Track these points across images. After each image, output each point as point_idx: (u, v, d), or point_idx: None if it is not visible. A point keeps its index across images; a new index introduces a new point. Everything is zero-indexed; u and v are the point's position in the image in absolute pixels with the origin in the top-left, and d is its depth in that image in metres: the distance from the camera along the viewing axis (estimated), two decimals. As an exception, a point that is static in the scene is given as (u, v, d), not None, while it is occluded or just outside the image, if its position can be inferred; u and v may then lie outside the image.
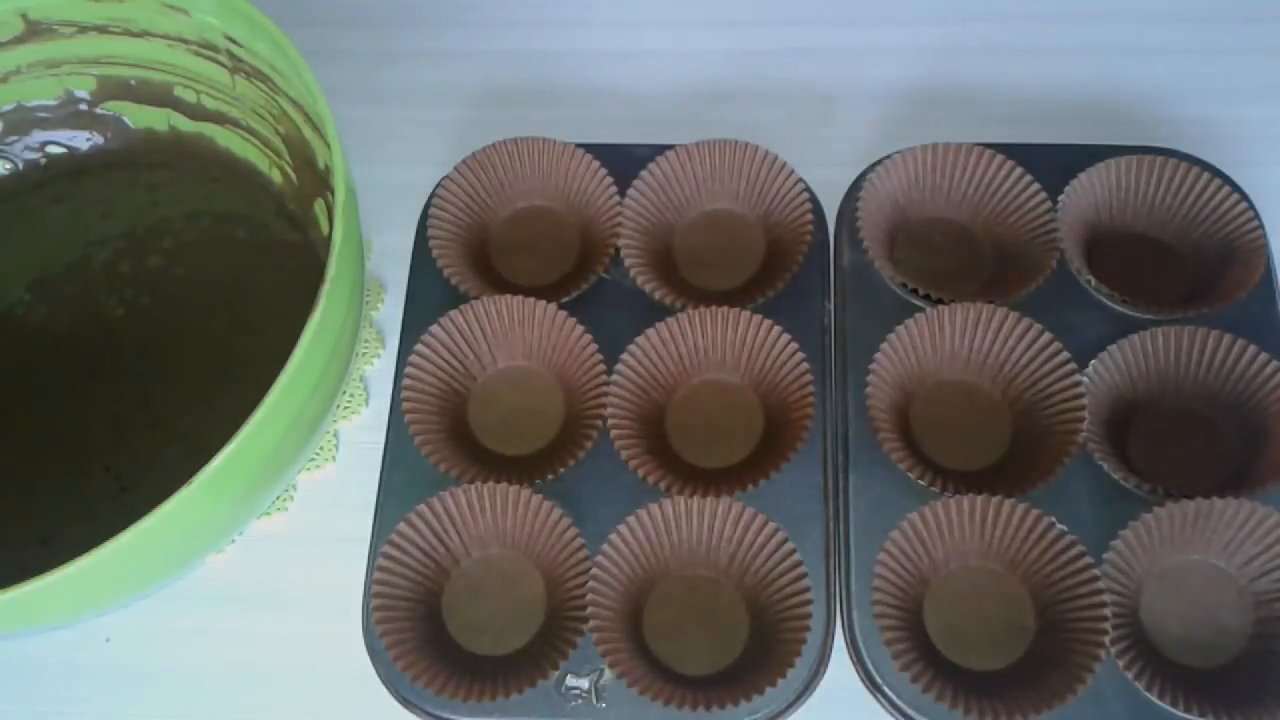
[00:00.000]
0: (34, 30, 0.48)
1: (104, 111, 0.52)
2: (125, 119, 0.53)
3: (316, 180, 0.48)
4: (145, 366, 0.50)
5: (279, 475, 0.44)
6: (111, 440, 0.49)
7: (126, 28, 0.48)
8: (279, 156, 0.51)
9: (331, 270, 0.39)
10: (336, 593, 0.48)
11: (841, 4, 0.61)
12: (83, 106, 0.52)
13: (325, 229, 0.49)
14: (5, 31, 0.48)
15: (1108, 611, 0.43)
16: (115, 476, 0.49)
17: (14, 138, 0.52)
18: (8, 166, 0.52)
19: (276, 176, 0.52)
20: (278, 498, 0.50)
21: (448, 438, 0.49)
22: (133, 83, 0.51)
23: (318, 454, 0.51)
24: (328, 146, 0.42)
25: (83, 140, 0.53)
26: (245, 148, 0.52)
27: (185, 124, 0.52)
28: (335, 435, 0.52)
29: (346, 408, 0.52)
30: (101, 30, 0.48)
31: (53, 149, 0.53)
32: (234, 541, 0.50)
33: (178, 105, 0.51)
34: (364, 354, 0.53)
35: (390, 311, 0.54)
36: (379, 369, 0.53)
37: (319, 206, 0.49)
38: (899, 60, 0.60)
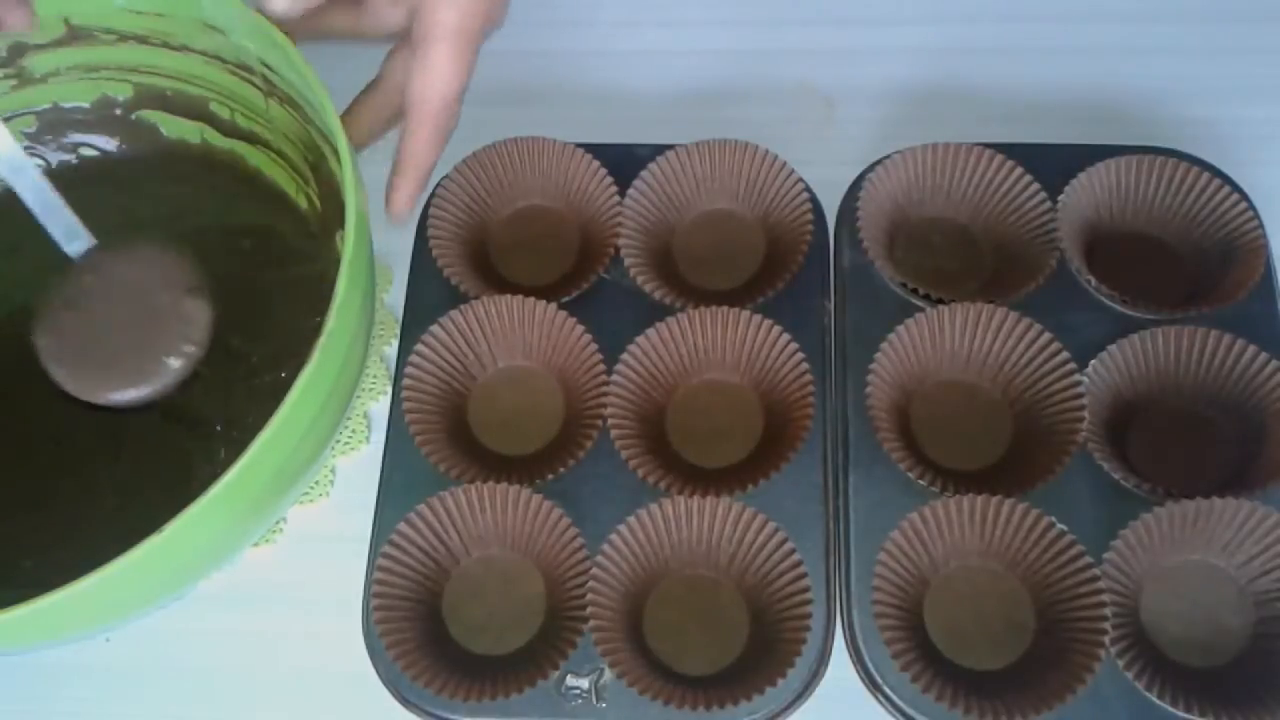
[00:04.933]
0: (75, 35, 0.48)
1: (139, 119, 0.52)
2: (160, 128, 0.52)
3: (339, 212, 0.48)
4: None
5: (275, 507, 0.44)
6: (112, 454, 0.49)
7: (165, 41, 0.48)
8: (306, 183, 0.50)
9: (331, 323, 0.39)
10: (336, 593, 0.48)
11: (841, 4, 0.61)
12: (118, 111, 0.52)
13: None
14: (46, 34, 0.48)
15: (1108, 611, 0.43)
16: (119, 488, 0.49)
17: (48, 138, 0.52)
18: (40, 164, 0.52)
19: (302, 202, 0.51)
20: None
21: (448, 438, 0.49)
22: (169, 93, 0.51)
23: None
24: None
25: (115, 146, 0.53)
26: (275, 170, 0.52)
27: (218, 139, 0.52)
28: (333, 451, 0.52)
29: (346, 443, 0.52)
30: (141, 40, 0.48)
31: (86, 151, 0.53)
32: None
33: (212, 120, 0.51)
34: (370, 389, 0.53)
35: (394, 302, 0.54)
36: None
37: (340, 239, 0.49)
38: (899, 60, 0.60)
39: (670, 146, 0.53)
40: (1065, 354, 0.48)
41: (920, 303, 0.51)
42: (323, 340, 0.39)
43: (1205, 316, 0.49)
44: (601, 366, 0.49)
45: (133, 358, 0.43)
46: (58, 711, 0.48)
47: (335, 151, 0.45)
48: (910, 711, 0.45)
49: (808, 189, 0.53)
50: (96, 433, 0.49)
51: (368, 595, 0.47)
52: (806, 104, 0.59)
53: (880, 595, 0.45)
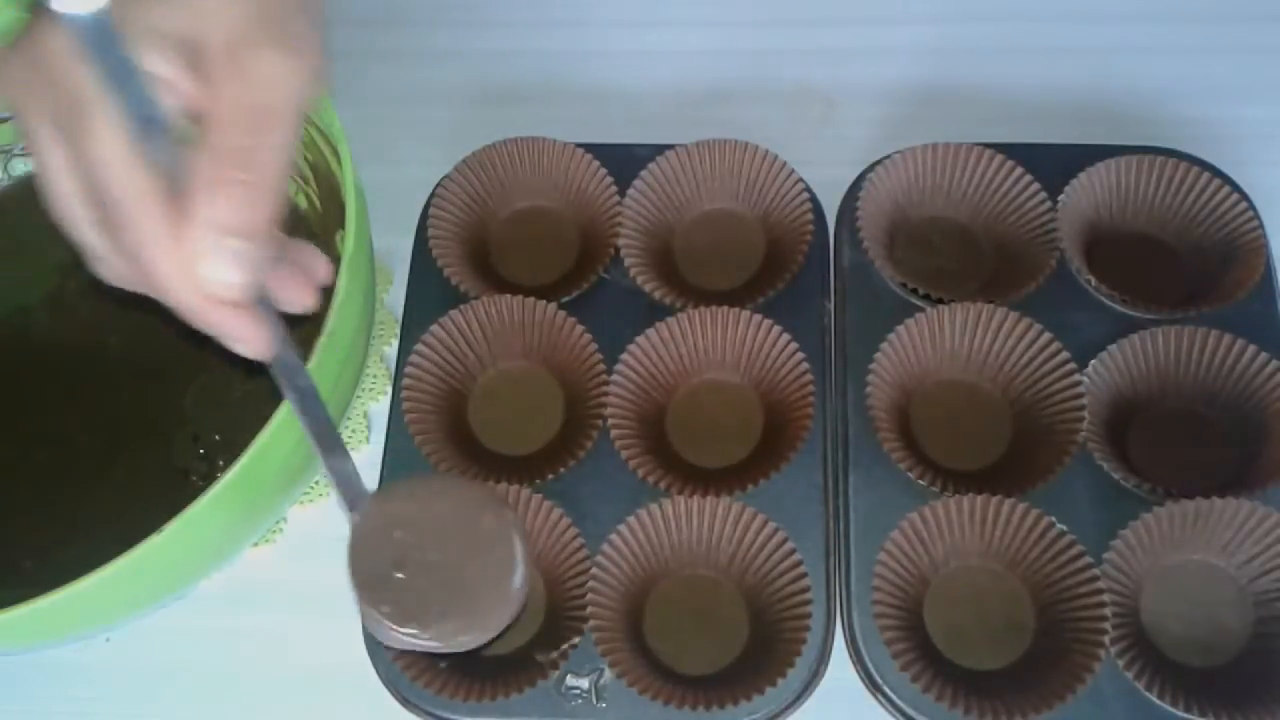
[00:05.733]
0: None
1: None
2: None
3: (339, 212, 0.48)
4: (146, 383, 0.50)
5: (275, 507, 0.44)
6: (112, 454, 0.49)
7: None
8: (305, 183, 0.50)
9: (331, 323, 0.39)
10: (336, 593, 0.48)
11: (841, 4, 0.61)
12: None
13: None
14: None
15: (1108, 611, 0.43)
16: (118, 489, 0.49)
17: None
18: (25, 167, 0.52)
19: (302, 201, 0.51)
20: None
21: (447, 438, 0.49)
22: None
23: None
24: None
25: None
26: None
27: None
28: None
29: (346, 443, 0.51)
30: None
31: None
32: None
33: None
34: (370, 389, 0.53)
35: (394, 302, 0.54)
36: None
37: (340, 239, 0.49)
38: (899, 60, 0.60)
39: (670, 146, 0.53)
40: (1065, 354, 0.48)
41: (920, 303, 0.51)
42: (323, 340, 0.39)
43: (1205, 316, 0.49)
44: (601, 366, 0.49)
45: (480, 591, 0.39)
46: (58, 711, 0.48)
47: (335, 151, 0.45)
48: (910, 711, 0.45)
49: (808, 189, 0.53)
50: (96, 433, 0.49)
51: (368, 595, 0.47)
52: (806, 104, 0.59)
53: (880, 595, 0.45)
